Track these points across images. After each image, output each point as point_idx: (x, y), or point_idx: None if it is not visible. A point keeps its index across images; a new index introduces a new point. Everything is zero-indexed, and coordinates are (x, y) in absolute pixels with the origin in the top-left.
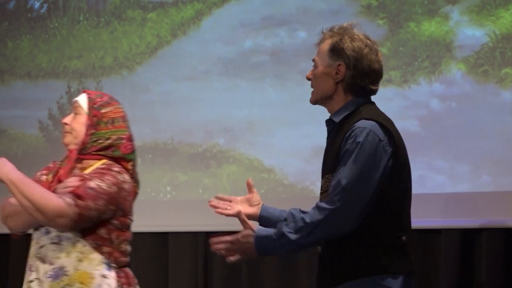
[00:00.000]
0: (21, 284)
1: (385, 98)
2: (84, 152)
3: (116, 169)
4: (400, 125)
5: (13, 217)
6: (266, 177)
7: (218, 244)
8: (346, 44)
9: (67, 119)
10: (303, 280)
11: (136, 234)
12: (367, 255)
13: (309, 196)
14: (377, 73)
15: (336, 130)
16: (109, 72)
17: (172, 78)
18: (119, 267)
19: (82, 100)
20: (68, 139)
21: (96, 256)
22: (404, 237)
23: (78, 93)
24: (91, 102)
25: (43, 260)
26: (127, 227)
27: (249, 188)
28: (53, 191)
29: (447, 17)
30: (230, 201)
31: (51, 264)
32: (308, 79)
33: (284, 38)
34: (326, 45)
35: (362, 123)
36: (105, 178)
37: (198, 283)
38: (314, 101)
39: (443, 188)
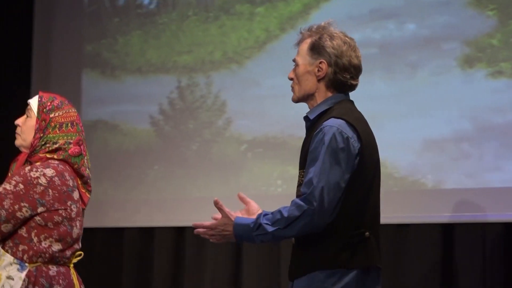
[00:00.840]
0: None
1: (496, 90)
2: (32, 155)
3: (27, 168)
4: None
5: None
6: None
7: (199, 228)
8: (326, 42)
9: (18, 121)
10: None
11: None
12: (327, 249)
13: (420, 189)
14: (357, 68)
15: (311, 127)
16: (218, 66)
17: (281, 72)
18: (38, 264)
19: (34, 103)
20: (18, 141)
21: (7, 258)
22: (367, 233)
23: (188, 88)
24: (41, 105)
25: None
26: (54, 223)
27: (243, 201)
28: None
29: None
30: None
31: None
32: (290, 79)
33: (393, 30)
34: (306, 44)
35: (331, 122)
36: (12, 180)
37: None
38: (296, 99)
39: None
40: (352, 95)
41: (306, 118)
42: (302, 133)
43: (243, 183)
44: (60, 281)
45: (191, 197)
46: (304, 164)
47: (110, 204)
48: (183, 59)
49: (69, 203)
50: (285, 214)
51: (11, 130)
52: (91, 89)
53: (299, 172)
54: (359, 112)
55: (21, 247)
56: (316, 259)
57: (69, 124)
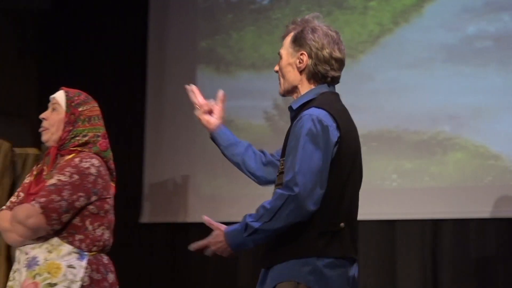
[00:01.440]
0: (251, 268)
1: None
2: (63, 149)
3: (77, 159)
4: None
5: (4, 234)
6: (493, 163)
7: (197, 249)
8: (307, 35)
9: (45, 115)
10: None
11: (363, 222)
12: (302, 238)
13: None
14: (339, 60)
15: (294, 118)
16: None
17: (395, 66)
18: (94, 252)
19: (61, 97)
20: (47, 136)
21: (65, 247)
22: (342, 224)
23: None
24: (69, 100)
25: (21, 251)
26: (106, 211)
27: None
28: (38, 190)
29: None
30: None
31: (27, 254)
32: (276, 71)
33: (508, 22)
34: (289, 37)
35: (311, 111)
36: (65, 171)
37: (426, 270)
38: (282, 93)
39: None
40: (469, 88)
41: (290, 108)
42: (417, 127)
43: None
44: (112, 268)
45: None
46: (283, 153)
47: (225, 199)
48: None
49: (111, 192)
50: (268, 207)
51: (129, 123)
52: (205, 85)
53: (280, 161)
54: (342, 105)
55: (77, 237)
56: (292, 248)
57: (96, 118)
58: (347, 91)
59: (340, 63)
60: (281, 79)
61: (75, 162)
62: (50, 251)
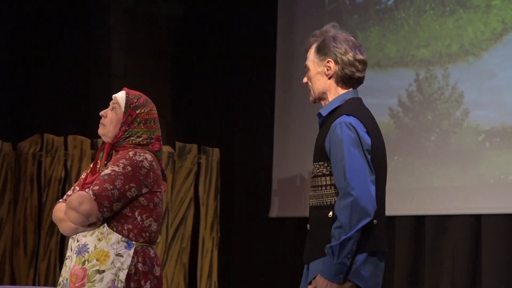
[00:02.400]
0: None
1: None
2: (116, 146)
3: (131, 152)
4: None
5: (59, 224)
6: None
7: None
8: (329, 43)
9: (104, 112)
10: None
11: (488, 217)
12: None
13: None
14: (362, 62)
15: (324, 123)
16: (456, 59)
17: None
18: (141, 243)
19: (121, 98)
20: (102, 130)
21: (114, 236)
22: (375, 221)
23: (426, 80)
24: (128, 101)
25: (74, 238)
26: (155, 204)
27: None
28: (92, 180)
29: None
30: None
31: (78, 241)
32: (305, 83)
33: None
34: (313, 49)
35: (343, 119)
36: (119, 162)
37: None
38: (314, 100)
39: None
40: None
41: (319, 114)
42: None
43: (481, 172)
44: (159, 262)
45: (431, 187)
46: (318, 157)
47: None
48: (421, 53)
49: (161, 186)
50: (340, 223)
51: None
52: None
53: (313, 164)
54: (368, 110)
55: (126, 226)
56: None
57: (152, 121)
58: (470, 88)
59: (364, 64)
60: (312, 89)
61: (129, 155)
62: (99, 239)
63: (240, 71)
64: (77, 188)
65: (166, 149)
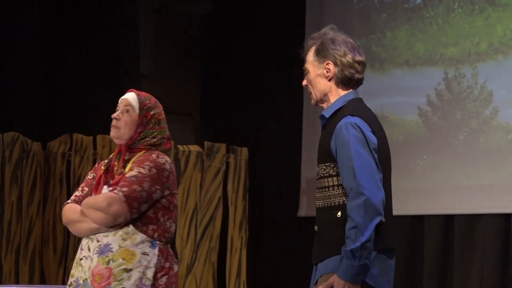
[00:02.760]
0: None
1: None
2: (132, 147)
3: (154, 155)
4: None
5: (72, 225)
6: None
7: None
8: (328, 45)
9: (117, 115)
10: None
11: None
12: (345, 236)
13: None
14: (361, 63)
15: (327, 124)
16: (485, 58)
17: None
18: (163, 243)
19: (133, 100)
20: (116, 133)
21: (139, 236)
22: (383, 219)
23: (455, 79)
24: (142, 103)
25: (91, 239)
26: (174, 206)
27: None
28: (117, 182)
29: None
30: None
31: (98, 241)
32: (305, 85)
33: None
34: (311, 51)
35: (347, 119)
36: (144, 165)
37: None
38: (315, 103)
39: None
40: None
41: (321, 116)
42: None
43: (511, 170)
44: (175, 259)
45: (460, 185)
46: (323, 159)
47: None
48: (450, 51)
49: (177, 188)
50: (354, 224)
51: (286, 120)
52: None
53: (318, 166)
54: (370, 110)
55: (151, 227)
56: (338, 244)
57: (163, 121)
58: (499, 86)
59: (363, 65)
60: (312, 91)
61: (153, 157)
62: (124, 239)
63: (268, 70)
64: (86, 189)
65: (195, 148)
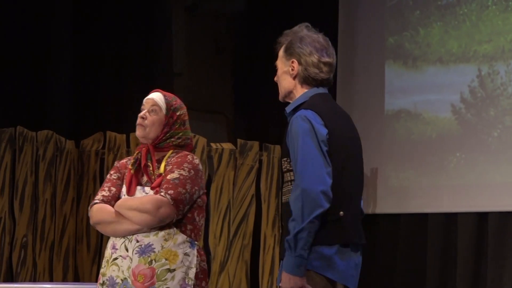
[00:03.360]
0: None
1: None
2: (158, 147)
3: (189, 156)
4: None
5: (106, 225)
6: None
7: None
8: (295, 44)
9: (144, 114)
10: None
11: None
12: None
13: None
14: (327, 64)
15: (289, 120)
16: None
17: None
18: (198, 242)
19: (160, 100)
20: (141, 132)
21: (180, 236)
22: (341, 213)
23: (489, 76)
24: (168, 104)
25: (129, 239)
26: (205, 204)
27: None
28: (158, 184)
29: None
30: None
31: (138, 241)
32: (276, 81)
33: None
34: (282, 49)
35: (299, 112)
36: (183, 167)
37: None
38: (282, 98)
39: None
40: None
41: (285, 112)
42: None
43: None
44: (205, 258)
45: (494, 183)
46: (283, 154)
47: (414, 190)
48: (483, 48)
49: None
50: (293, 214)
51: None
52: (393, 80)
53: (282, 161)
54: (333, 103)
55: (188, 227)
56: None
57: (187, 122)
58: None
59: (329, 66)
60: (279, 87)
61: (189, 159)
62: (166, 239)
63: None
64: (113, 189)
65: (228, 146)
